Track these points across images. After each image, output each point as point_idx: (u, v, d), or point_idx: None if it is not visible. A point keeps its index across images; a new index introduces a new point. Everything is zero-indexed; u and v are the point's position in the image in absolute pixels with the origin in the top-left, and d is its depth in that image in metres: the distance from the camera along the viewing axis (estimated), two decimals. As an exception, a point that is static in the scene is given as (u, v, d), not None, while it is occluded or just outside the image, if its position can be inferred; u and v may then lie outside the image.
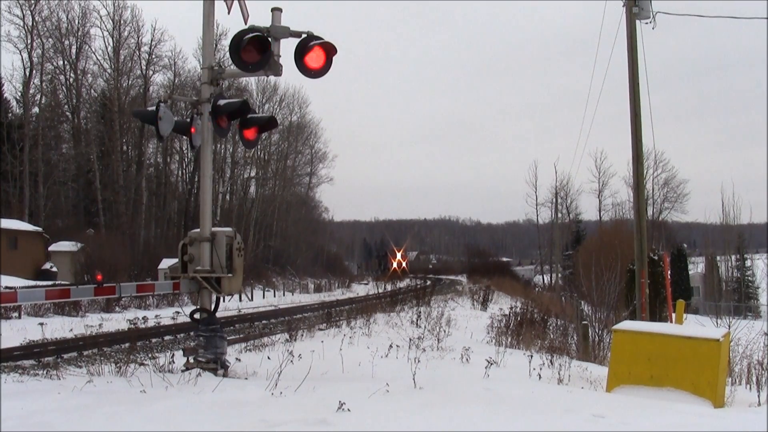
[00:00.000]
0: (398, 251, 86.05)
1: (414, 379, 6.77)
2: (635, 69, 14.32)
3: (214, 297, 7.99)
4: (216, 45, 26.77)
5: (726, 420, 5.78)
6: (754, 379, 9.62)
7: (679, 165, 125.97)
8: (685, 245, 58.76)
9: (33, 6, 45.55)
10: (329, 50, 7.55)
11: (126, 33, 50.91)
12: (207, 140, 7.95)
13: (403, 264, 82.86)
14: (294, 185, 75.83)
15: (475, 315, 24.66)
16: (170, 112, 7.83)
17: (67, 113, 51.35)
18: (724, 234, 40.83)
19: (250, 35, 7.41)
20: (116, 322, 21.65)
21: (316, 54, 7.54)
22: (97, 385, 6.52)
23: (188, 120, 8.01)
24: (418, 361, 8.43)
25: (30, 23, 45.62)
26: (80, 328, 19.54)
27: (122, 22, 50.48)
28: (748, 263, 48.91)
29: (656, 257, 27.14)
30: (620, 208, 67.24)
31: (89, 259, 36.47)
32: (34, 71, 46.56)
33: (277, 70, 7.71)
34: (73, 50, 49.20)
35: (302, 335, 14.00)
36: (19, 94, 47.36)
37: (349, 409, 5.23)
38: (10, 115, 46.74)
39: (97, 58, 50.87)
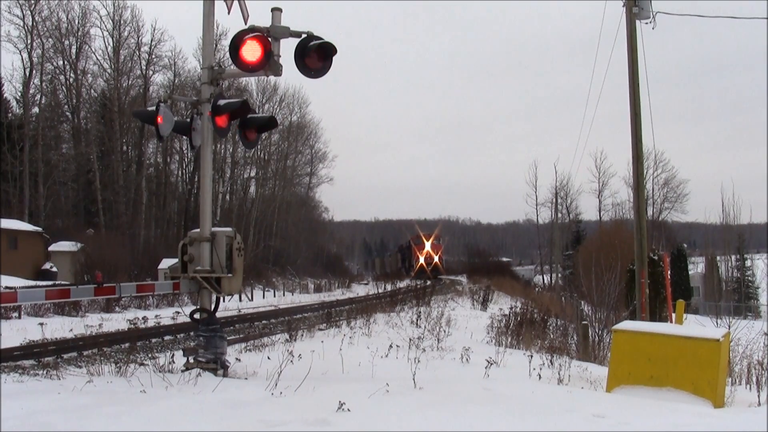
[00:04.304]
0: (427, 239, 63.20)
1: (414, 379, 6.77)
2: (635, 69, 14.33)
3: (214, 297, 7.98)
4: (216, 45, 26.73)
5: (726, 420, 5.78)
6: (754, 379, 9.63)
7: (679, 165, 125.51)
8: (685, 245, 58.76)
9: (33, 6, 45.58)
10: (329, 50, 7.56)
11: (126, 33, 51.06)
12: (207, 140, 7.95)
13: (435, 258, 61.38)
14: (294, 185, 75.82)
15: (475, 315, 24.63)
16: (170, 112, 7.84)
17: (67, 113, 51.41)
18: (724, 234, 40.88)
19: (250, 35, 7.42)
20: (116, 322, 21.65)
21: (316, 54, 7.55)
22: (97, 385, 6.52)
23: (188, 120, 8.02)
24: (418, 361, 8.43)
25: (30, 23, 45.68)
26: (80, 328, 19.54)
27: (122, 22, 50.61)
28: (748, 263, 49.00)
29: (656, 257, 27.09)
30: (620, 208, 67.42)
31: (89, 259, 36.51)
32: (34, 71, 46.61)
33: (277, 70, 7.72)
34: (73, 50, 49.27)
35: (302, 335, 14.01)
36: (19, 94, 47.44)
37: (349, 409, 5.23)
38: (10, 115, 46.76)
39: (97, 58, 51.01)
